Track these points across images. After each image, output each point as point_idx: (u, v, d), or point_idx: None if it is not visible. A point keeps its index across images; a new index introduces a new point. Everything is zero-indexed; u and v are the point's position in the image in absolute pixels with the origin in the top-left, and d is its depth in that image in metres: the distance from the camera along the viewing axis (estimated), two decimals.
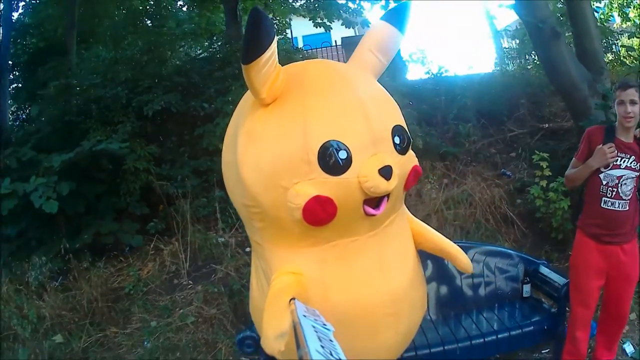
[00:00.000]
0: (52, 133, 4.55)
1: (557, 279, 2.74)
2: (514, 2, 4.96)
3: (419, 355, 2.48)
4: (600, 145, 2.19)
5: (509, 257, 3.01)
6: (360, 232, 1.69)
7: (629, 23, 9.66)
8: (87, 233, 3.55)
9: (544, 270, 2.89)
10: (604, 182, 2.21)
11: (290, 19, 9.77)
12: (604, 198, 2.22)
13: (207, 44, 7.21)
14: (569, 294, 2.51)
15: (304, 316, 1.28)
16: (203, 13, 7.97)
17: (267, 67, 1.54)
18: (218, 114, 4.40)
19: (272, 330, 1.46)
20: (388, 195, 1.61)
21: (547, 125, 5.67)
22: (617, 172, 2.19)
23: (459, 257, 1.95)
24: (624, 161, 2.19)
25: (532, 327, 2.67)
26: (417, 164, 1.73)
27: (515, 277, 2.98)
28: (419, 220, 2.02)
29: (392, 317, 1.72)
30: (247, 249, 3.85)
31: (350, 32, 8.46)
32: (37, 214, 3.39)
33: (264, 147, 1.61)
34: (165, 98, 4.41)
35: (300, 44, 10.72)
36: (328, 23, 7.78)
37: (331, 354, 1.05)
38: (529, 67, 7.24)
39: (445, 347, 2.58)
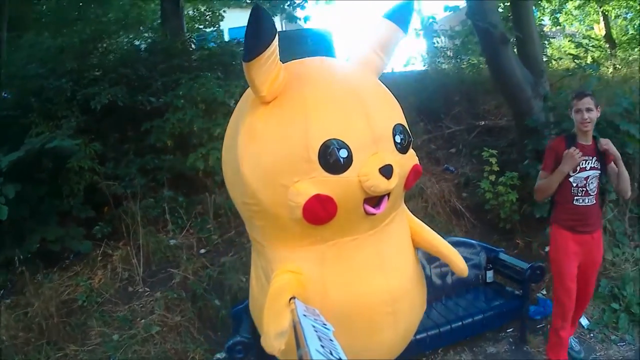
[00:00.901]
0: None
1: (519, 263, 3.04)
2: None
3: None
4: (568, 150, 2.44)
5: (471, 247, 3.25)
6: (360, 231, 1.70)
7: (558, 27, 10.67)
8: (32, 240, 3.22)
9: (504, 256, 3.20)
10: (574, 184, 2.50)
11: (224, 11, 9.52)
12: (576, 197, 2.51)
13: (145, 34, 6.80)
14: (553, 287, 2.75)
15: (304, 315, 1.29)
16: (134, 2, 7.51)
17: (268, 65, 1.53)
18: (167, 108, 4.19)
19: (273, 328, 1.47)
20: (388, 194, 1.63)
21: (482, 123, 6.00)
22: (584, 174, 2.48)
23: (455, 260, 1.97)
24: (588, 163, 2.48)
25: (497, 310, 2.92)
26: (418, 162, 1.75)
27: (478, 265, 3.23)
28: (418, 220, 2.04)
29: (391, 316, 1.74)
30: (202, 251, 3.74)
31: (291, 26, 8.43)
32: None
33: (265, 146, 1.60)
34: (112, 91, 4.11)
35: (227, 37, 10.50)
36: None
37: (331, 354, 1.05)
38: (463, 66, 7.59)
39: (417, 337, 2.65)
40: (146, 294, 3.26)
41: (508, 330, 3.13)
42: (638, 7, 11.23)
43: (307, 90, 1.63)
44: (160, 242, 3.69)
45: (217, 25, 8.63)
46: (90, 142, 3.85)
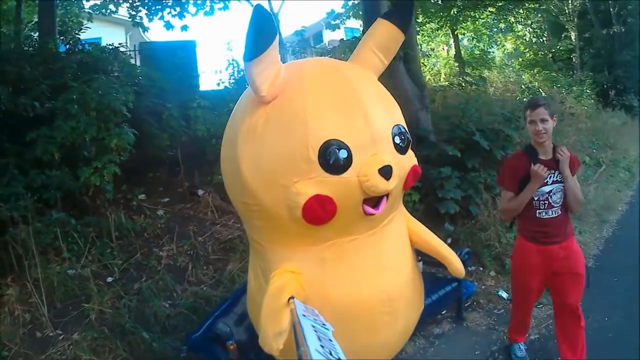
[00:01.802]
0: None
1: None
2: None
3: None
4: (533, 167, 2.32)
5: None
6: (359, 231, 1.73)
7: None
8: None
9: None
10: (536, 198, 2.39)
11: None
12: (538, 210, 2.41)
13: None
14: (512, 299, 2.89)
15: (304, 315, 1.31)
16: None
17: (268, 65, 1.55)
18: (53, 115, 3.62)
19: (271, 328, 1.48)
20: (387, 195, 1.67)
21: None
22: (546, 189, 2.38)
23: (452, 260, 2.05)
24: (551, 177, 2.38)
25: (439, 296, 3.14)
26: (417, 163, 1.80)
27: None
28: (416, 220, 2.09)
29: (389, 316, 1.78)
30: (109, 279, 3.30)
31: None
32: None
33: (265, 146, 1.61)
34: None
35: None
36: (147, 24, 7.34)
37: (330, 354, 1.08)
38: None
39: None
40: (60, 337, 2.73)
41: (443, 313, 3.41)
42: (484, 32, 13.49)
43: (307, 90, 1.65)
44: (59, 273, 3.14)
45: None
46: None
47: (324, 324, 1.30)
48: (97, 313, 2.91)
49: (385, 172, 1.57)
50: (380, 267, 1.77)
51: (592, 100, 14.20)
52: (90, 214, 3.59)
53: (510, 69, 13.72)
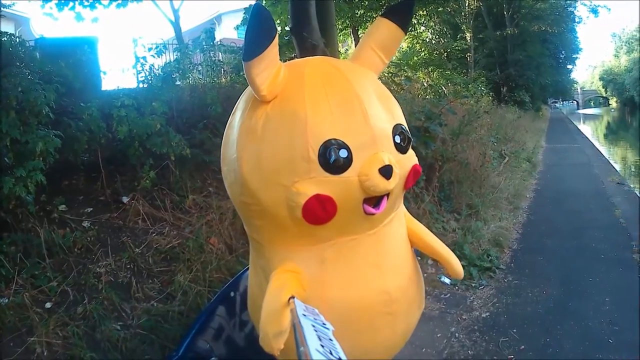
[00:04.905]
0: None
1: None
2: None
3: None
4: None
5: None
6: (359, 231, 1.76)
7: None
8: None
9: None
10: None
11: None
12: None
13: None
14: None
15: (304, 315, 1.34)
16: None
17: (268, 64, 1.57)
18: None
19: (271, 328, 1.50)
20: (388, 195, 1.70)
21: None
22: None
23: (452, 262, 2.07)
24: None
25: None
26: (417, 163, 1.84)
27: None
28: (416, 220, 2.11)
29: (390, 316, 1.82)
30: (48, 305, 2.96)
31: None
32: None
33: (264, 145, 1.62)
34: None
35: None
36: None
37: (331, 353, 1.10)
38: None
39: None
40: None
41: None
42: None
43: (307, 89, 1.66)
44: None
45: None
46: None
47: (324, 324, 1.31)
48: (45, 346, 2.60)
49: (386, 171, 1.60)
50: (381, 266, 1.81)
51: (491, 97, 15.71)
52: (12, 230, 3.18)
53: (406, 67, 14.59)
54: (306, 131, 1.57)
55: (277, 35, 1.57)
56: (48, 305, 2.92)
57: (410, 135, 1.83)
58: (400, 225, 1.97)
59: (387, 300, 1.80)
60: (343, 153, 1.59)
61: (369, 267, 1.79)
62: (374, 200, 1.68)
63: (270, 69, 1.57)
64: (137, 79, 5.71)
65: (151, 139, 4.37)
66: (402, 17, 1.87)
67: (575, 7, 25.23)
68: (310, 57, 1.90)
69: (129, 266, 3.46)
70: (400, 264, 1.91)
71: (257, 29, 1.50)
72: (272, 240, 1.77)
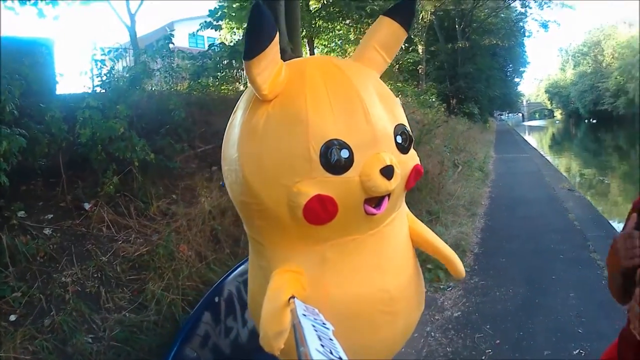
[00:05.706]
0: None
1: None
2: None
3: None
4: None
5: None
6: (360, 231, 1.77)
7: None
8: None
9: None
10: None
11: None
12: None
13: None
14: None
15: (304, 315, 1.35)
16: None
17: (269, 63, 1.57)
18: None
19: (272, 327, 1.51)
20: (389, 195, 1.71)
21: None
22: None
23: (454, 261, 2.07)
24: None
25: None
26: (419, 163, 1.84)
27: None
28: (418, 221, 2.11)
29: (390, 316, 1.82)
30: (12, 318, 2.76)
31: None
32: None
33: (265, 145, 1.62)
34: None
35: None
36: None
37: (331, 353, 1.12)
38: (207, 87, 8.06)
39: None
40: None
41: None
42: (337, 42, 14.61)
43: (308, 89, 1.66)
44: None
45: None
46: None
47: (324, 323, 1.31)
48: None
49: (387, 171, 1.61)
50: (382, 266, 1.82)
51: (443, 109, 16.31)
52: None
53: None
54: (307, 131, 1.57)
55: (278, 34, 1.56)
56: (13, 317, 2.74)
57: (412, 135, 1.83)
58: (401, 225, 1.97)
59: (388, 300, 1.80)
60: (344, 153, 1.59)
61: (370, 267, 1.80)
62: (375, 201, 1.68)
63: (271, 68, 1.56)
64: (93, 82, 5.53)
65: (114, 143, 4.24)
66: (404, 16, 1.86)
67: (525, 22, 26.29)
68: (312, 56, 1.94)
69: (96, 275, 3.31)
70: (401, 264, 1.91)
71: (258, 28, 1.49)
72: (273, 241, 1.75)
